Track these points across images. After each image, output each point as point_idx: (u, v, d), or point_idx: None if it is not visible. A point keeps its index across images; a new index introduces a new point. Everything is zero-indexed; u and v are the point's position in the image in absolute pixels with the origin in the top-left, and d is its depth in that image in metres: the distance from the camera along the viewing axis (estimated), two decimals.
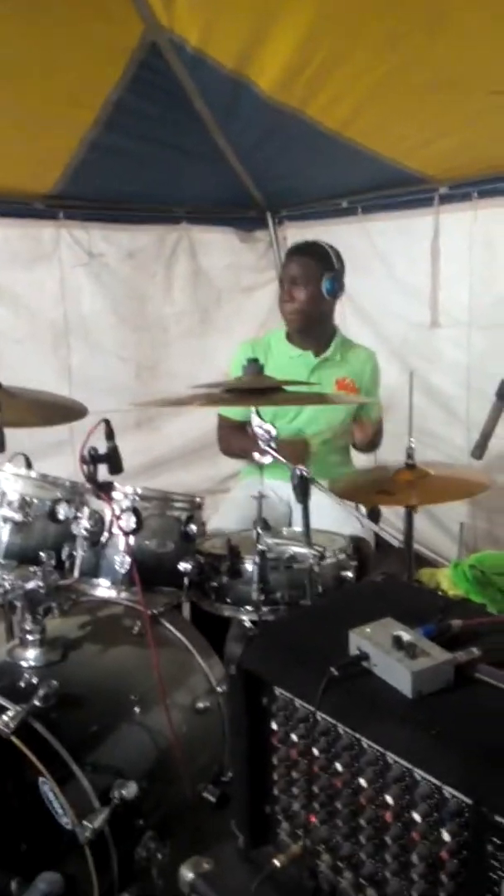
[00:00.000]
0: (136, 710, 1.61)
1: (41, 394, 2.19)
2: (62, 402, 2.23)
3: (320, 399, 2.14)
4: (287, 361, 2.53)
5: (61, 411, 2.19)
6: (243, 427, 2.55)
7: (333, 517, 2.16)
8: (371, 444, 2.60)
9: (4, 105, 2.64)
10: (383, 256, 3.46)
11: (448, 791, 0.89)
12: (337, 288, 2.49)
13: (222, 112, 2.92)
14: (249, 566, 1.81)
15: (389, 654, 1.01)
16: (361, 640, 1.05)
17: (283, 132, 2.93)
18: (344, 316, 3.53)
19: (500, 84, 2.24)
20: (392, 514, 3.28)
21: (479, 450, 1.95)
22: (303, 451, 2.34)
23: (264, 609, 1.78)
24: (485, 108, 2.39)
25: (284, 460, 1.70)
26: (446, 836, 0.89)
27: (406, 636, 1.03)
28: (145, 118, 2.90)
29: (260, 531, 1.77)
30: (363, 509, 2.42)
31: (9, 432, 1.85)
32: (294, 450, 2.25)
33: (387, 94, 2.50)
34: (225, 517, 2.36)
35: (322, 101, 2.62)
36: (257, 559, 1.76)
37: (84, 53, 2.49)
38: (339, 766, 1.01)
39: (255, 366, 1.78)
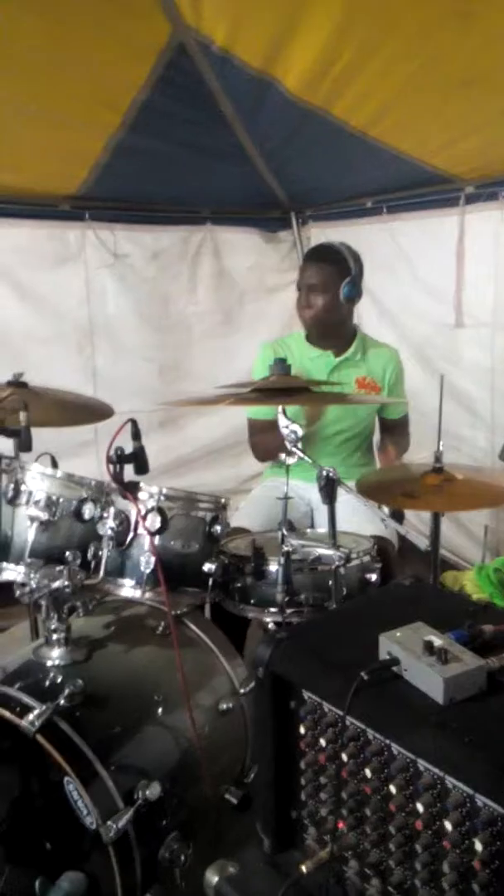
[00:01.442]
0: (160, 710, 1.61)
1: (67, 394, 2.19)
2: (88, 403, 2.24)
3: (344, 399, 2.12)
4: (307, 362, 2.53)
5: (87, 411, 2.20)
6: (274, 426, 2.55)
7: (356, 517, 2.15)
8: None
9: (32, 104, 2.65)
10: (408, 256, 3.43)
11: (481, 800, 0.87)
12: (355, 293, 2.47)
13: (247, 112, 2.91)
14: (274, 567, 1.80)
15: (421, 659, 0.99)
16: (392, 644, 1.03)
17: (309, 132, 2.91)
18: (368, 316, 3.52)
19: None
20: (414, 516, 3.26)
21: None
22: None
23: (288, 611, 1.77)
24: None
25: (311, 461, 1.69)
26: (478, 846, 0.88)
27: (438, 641, 1.01)
28: (171, 119, 2.90)
29: (285, 532, 1.76)
30: (386, 510, 2.40)
31: (34, 432, 1.86)
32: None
33: (413, 93, 2.47)
34: (246, 516, 2.35)
35: (348, 100, 2.60)
36: (282, 560, 1.75)
37: (111, 54, 2.50)
38: (368, 772, 1.00)
39: (282, 365, 1.77)
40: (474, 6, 1.96)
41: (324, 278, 2.43)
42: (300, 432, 1.67)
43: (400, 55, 2.28)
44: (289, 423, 1.67)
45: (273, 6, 2.22)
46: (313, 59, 2.41)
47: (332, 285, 2.42)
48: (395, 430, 2.67)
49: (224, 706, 1.74)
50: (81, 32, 2.35)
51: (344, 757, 1.03)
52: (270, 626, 1.83)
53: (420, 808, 0.94)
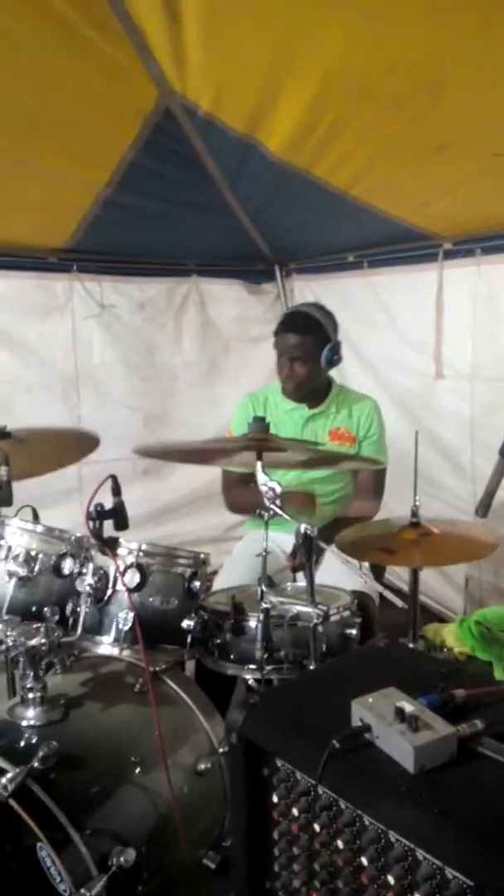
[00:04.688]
0: (137, 771, 1.59)
1: (52, 431, 2.18)
2: (73, 436, 2.21)
3: (327, 460, 2.14)
4: (282, 415, 2.55)
5: (74, 445, 2.19)
6: (248, 480, 2.56)
7: (337, 571, 2.15)
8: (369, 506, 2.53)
9: (22, 163, 2.73)
10: (388, 310, 3.51)
11: (450, 872, 0.87)
12: (337, 359, 2.48)
13: (232, 172, 3.00)
14: (253, 624, 1.80)
15: (392, 726, 1.00)
16: (364, 710, 1.04)
17: (291, 190, 3.00)
18: (349, 367, 3.58)
19: (501, 146, 2.31)
20: (397, 567, 3.26)
21: (484, 508, 1.96)
22: (310, 504, 2.33)
23: (268, 668, 1.76)
24: (487, 169, 2.46)
25: (289, 517, 1.70)
26: None
27: (409, 707, 1.02)
28: (158, 178, 2.99)
29: (264, 589, 1.76)
30: (366, 565, 2.41)
31: (17, 483, 1.86)
32: (301, 502, 2.25)
33: (392, 155, 2.57)
34: (231, 573, 2.35)
35: (329, 161, 2.70)
36: (261, 617, 1.75)
37: (99, 116, 2.58)
38: (340, 843, 0.99)
39: (260, 423, 1.79)
40: (443, 80, 2.06)
41: (305, 349, 2.43)
42: (278, 489, 1.69)
43: (376, 122, 2.37)
44: (267, 480, 1.69)
45: (255, 76, 2.31)
46: (294, 125, 2.50)
47: (314, 355, 2.43)
48: (364, 484, 2.58)
49: (202, 766, 1.72)
50: (71, 93, 2.43)
51: (316, 827, 1.02)
52: (251, 682, 1.82)
53: (391, 880, 0.93)
